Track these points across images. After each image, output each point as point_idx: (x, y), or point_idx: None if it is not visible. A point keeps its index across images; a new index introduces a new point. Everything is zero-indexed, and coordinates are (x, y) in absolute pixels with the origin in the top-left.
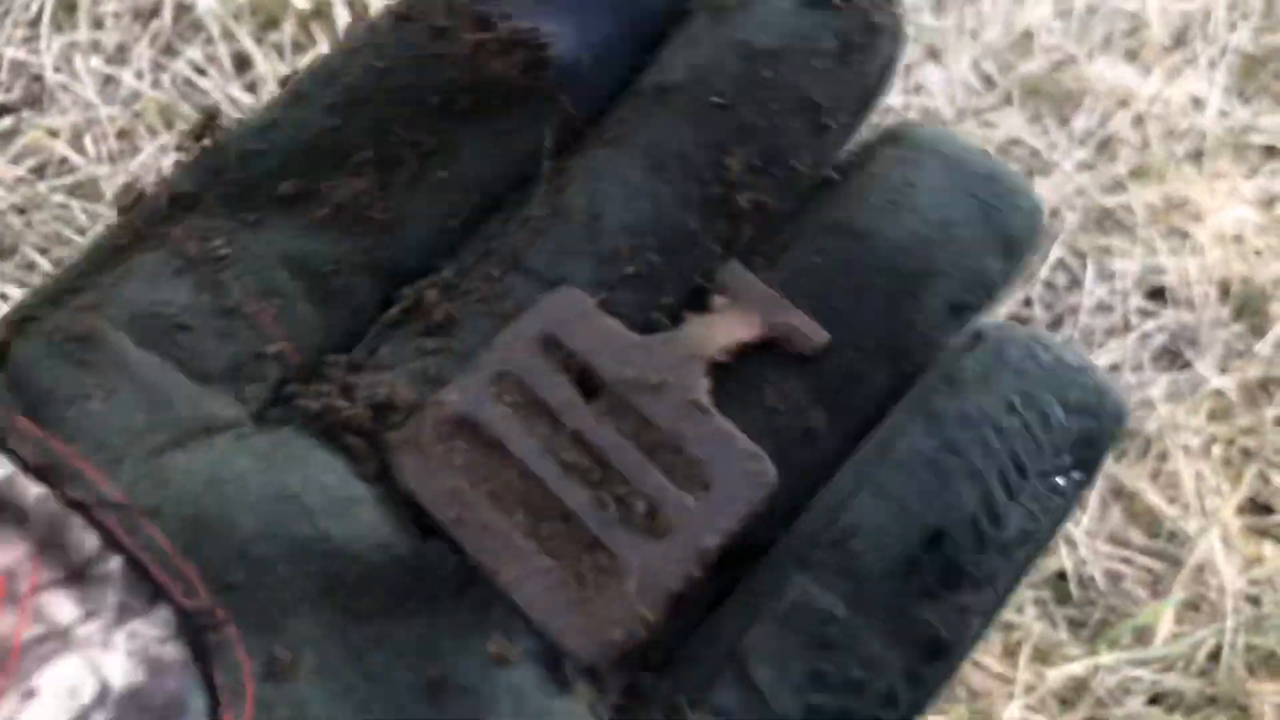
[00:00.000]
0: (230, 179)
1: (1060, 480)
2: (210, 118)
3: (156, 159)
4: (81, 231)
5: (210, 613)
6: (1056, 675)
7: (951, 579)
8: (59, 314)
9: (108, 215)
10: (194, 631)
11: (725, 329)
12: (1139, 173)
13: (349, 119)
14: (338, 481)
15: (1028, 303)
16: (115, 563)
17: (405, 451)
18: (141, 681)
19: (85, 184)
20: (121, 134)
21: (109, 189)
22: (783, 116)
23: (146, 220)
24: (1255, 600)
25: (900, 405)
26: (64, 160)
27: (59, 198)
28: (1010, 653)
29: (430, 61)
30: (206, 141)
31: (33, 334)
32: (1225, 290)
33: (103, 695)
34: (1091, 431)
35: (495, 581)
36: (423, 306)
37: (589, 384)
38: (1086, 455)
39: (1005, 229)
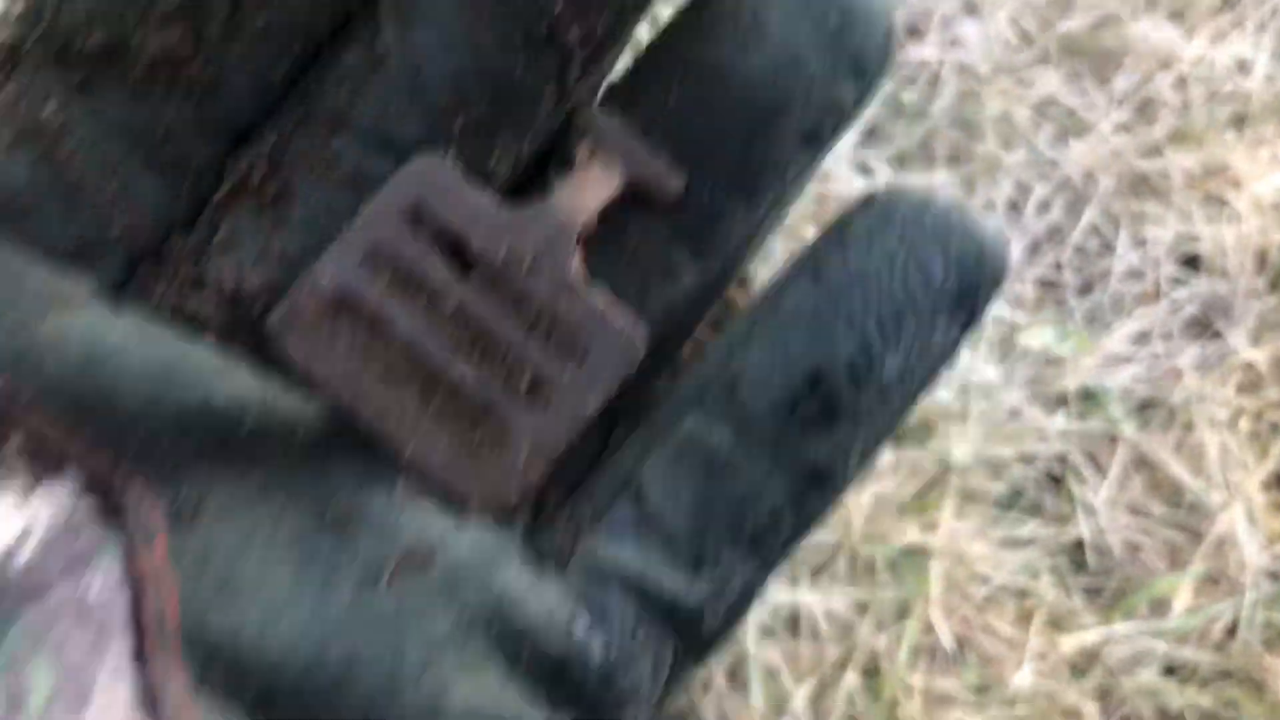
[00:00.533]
0: (45, 31)
1: (940, 326)
2: None
3: None
4: None
5: (113, 471)
6: (1069, 643)
7: (830, 416)
8: None
9: None
10: (101, 488)
11: (591, 192)
12: (1178, 137)
13: None
14: (211, 351)
15: (1057, 267)
16: (15, 440)
17: (290, 334)
18: (59, 527)
19: None
20: None
21: None
22: None
23: None
24: (1275, 576)
25: (792, 263)
26: None
27: None
28: (1022, 619)
29: None
30: None
31: None
32: (1262, 260)
33: (23, 537)
34: (971, 283)
35: (396, 455)
36: (252, 180)
37: (460, 258)
38: (967, 302)
39: (856, 53)
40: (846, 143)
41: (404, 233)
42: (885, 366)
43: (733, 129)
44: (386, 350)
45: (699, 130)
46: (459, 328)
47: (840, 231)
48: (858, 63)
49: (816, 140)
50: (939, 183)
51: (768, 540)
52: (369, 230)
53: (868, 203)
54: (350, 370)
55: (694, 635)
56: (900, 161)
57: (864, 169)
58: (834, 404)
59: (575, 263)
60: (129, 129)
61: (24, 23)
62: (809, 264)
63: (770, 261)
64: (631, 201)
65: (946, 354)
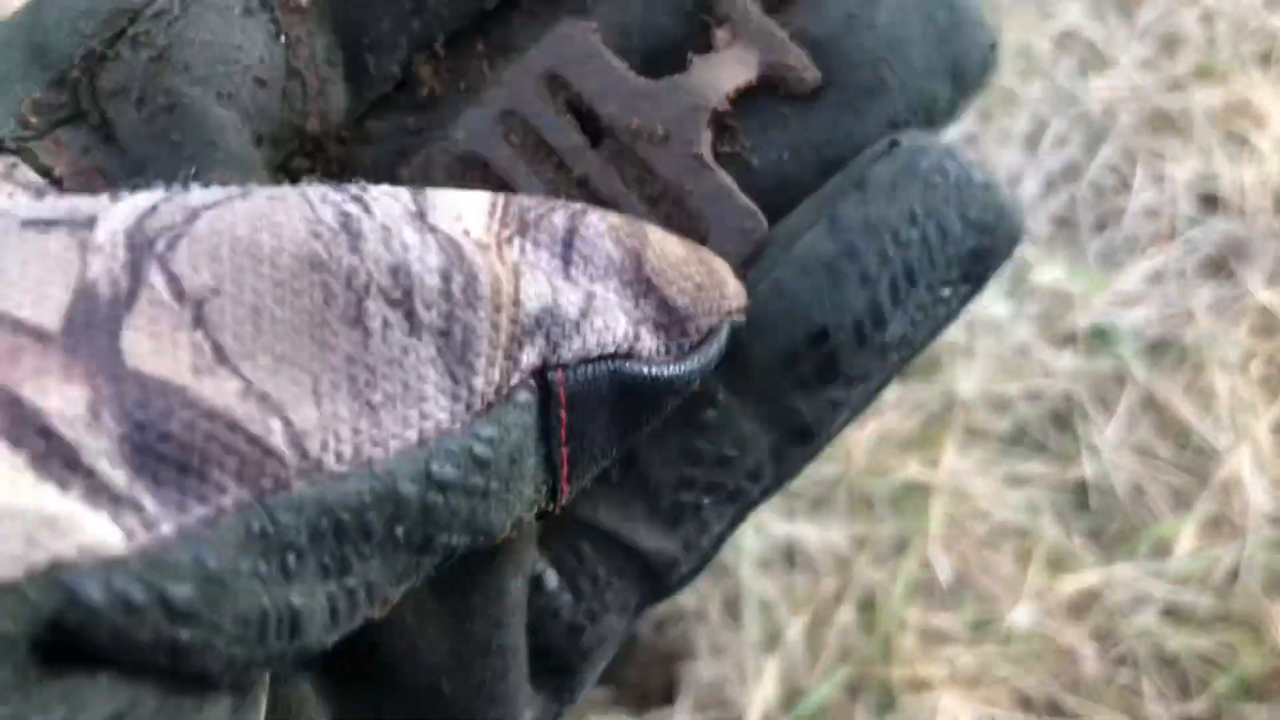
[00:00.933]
0: None
1: (947, 291)
2: None
3: None
4: None
5: None
6: (1068, 584)
7: (827, 374)
8: (129, 60)
9: None
10: None
11: (727, 72)
12: (1202, 73)
13: None
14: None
15: (1072, 203)
16: None
17: (424, 184)
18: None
19: None
20: None
21: None
22: None
23: None
24: (1279, 521)
25: (808, 202)
26: None
27: None
28: (1022, 558)
29: None
30: None
31: (116, 92)
32: None
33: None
34: (985, 248)
35: None
36: (412, 82)
37: (593, 126)
38: (976, 270)
39: (957, 57)
40: None
41: (541, 98)
42: (890, 328)
43: (824, 105)
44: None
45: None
46: (584, 195)
47: (861, 177)
48: (957, 66)
49: (901, 130)
50: None
51: (745, 494)
52: (506, 92)
53: (891, 149)
54: None
55: (663, 583)
56: None
57: None
58: (834, 363)
59: (707, 137)
60: (342, 27)
61: None
62: (826, 208)
63: None
64: (766, 90)
65: (949, 319)
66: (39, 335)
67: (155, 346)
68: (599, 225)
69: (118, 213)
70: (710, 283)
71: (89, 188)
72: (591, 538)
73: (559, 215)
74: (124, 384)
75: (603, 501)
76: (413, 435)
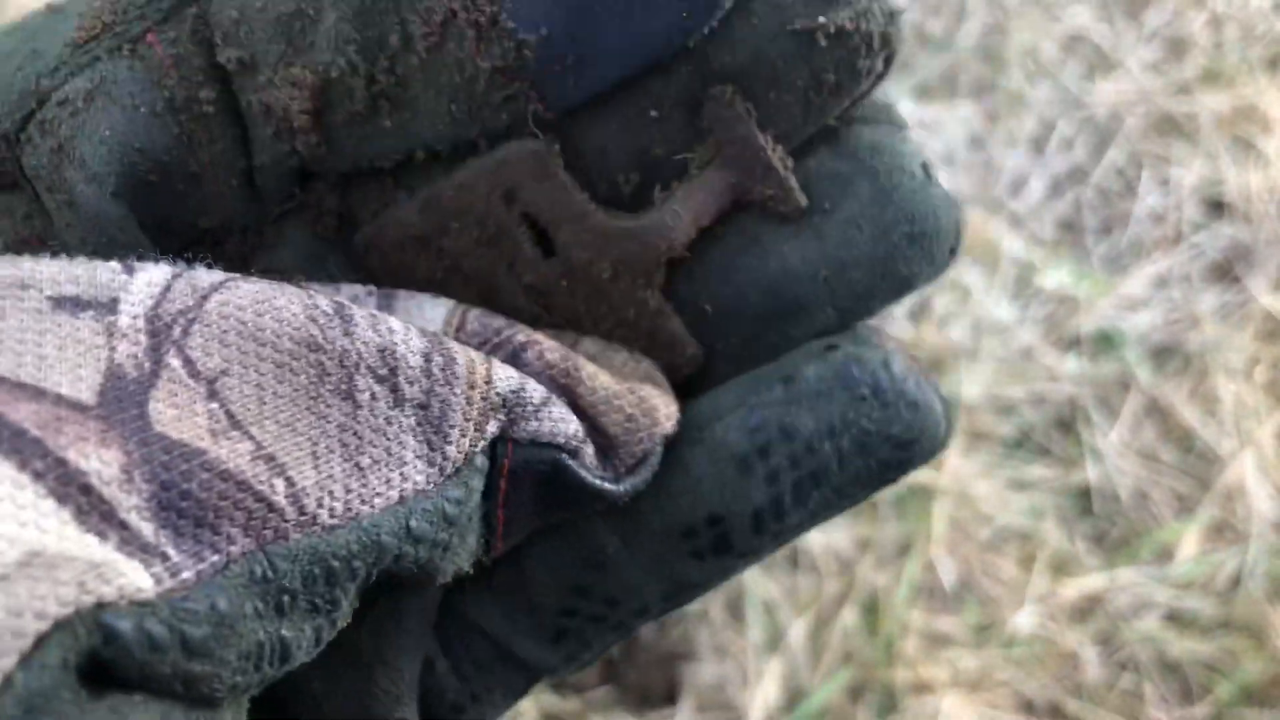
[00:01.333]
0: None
1: (853, 492)
2: None
3: None
4: None
5: None
6: (1071, 588)
7: (721, 549)
8: (39, 146)
9: None
10: None
11: (693, 213)
12: (1209, 77)
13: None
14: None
15: (1078, 207)
16: None
17: (372, 252)
18: None
19: None
20: None
21: None
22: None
23: (118, 11)
24: None
25: (736, 383)
26: None
27: None
28: (1025, 562)
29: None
30: None
31: (34, 175)
32: None
33: None
34: (901, 460)
35: None
36: (320, 208)
37: (545, 239)
38: (887, 476)
39: (905, 277)
40: None
41: (497, 205)
42: (789, 519)
43: (756, 313)
44: (458, 289)
45: (722, 311)
46: (531, 299)
47: (790, 374)
48: (902, 283)
49: (834, 335)
50: (962, 115)
51: (629, 626)
52: (462, 190)
53: (827, 352)
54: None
55: (549, 675)
56: (922, 93)
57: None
58: (728, 542)
59: (659, 279)
60: (243, 142)
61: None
62: (750, 397)
63: None
64: (739, 209)
65: (853, 506)
66: (79, 407)
67: (178, 414)
68: (535, 363)
69: (136, 295)
70: (641, 412)
71: (35, 252)
72: (479, 635)
73: (506, 344)
74: (152, 447)
75: (492, 608)
76: (394, 494)
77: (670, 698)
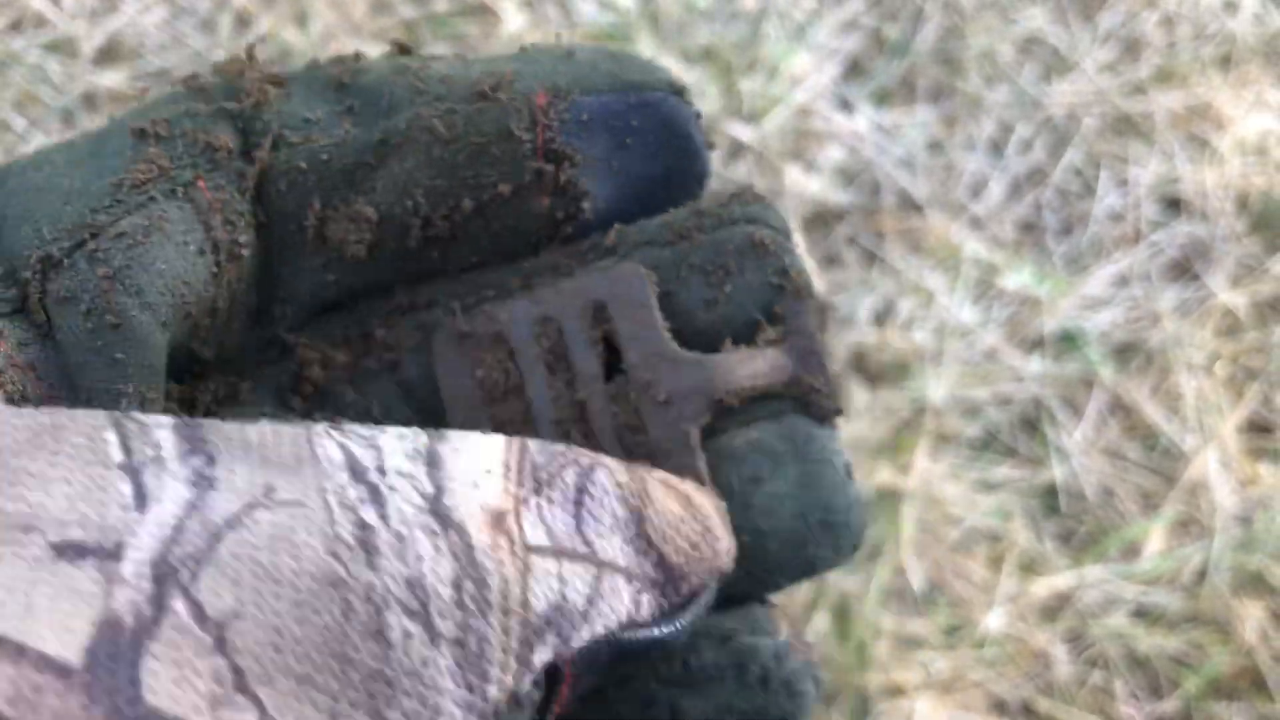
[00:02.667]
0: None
1: None
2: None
3: (137, 19)
4: (59, 90)
5: None
6: (1040, 587)
7: None
8: (84, 273)
9: (85, 74)
10: None
11: (751, 373)
12: (1163, 76)
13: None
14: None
15: (1038, 208)
16: None
17: (445, 344)
18: None
19: (62, 42)
20: None
21: (86, 47)
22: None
23: (173, 158)
24: (1246, 520)
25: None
26: (40, 17)
27: (35, 56)
28: (994, 562)
29: (482, 152)
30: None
31: (66, 299)
32: (1243, 203)
33: None
34: None
35: None
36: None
37: (614, 358)
38: None
39: (812, 560)
40: (827, 77)
41: (583, 319)
42: None
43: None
44: (508, 399)
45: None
46: (575, 415)
47: (686, 660)
48: (810, 568)
49: (730, 607)
50: (920, 119)
51: None
52: (555, 301)
53: (725, 641)
54: (471, 398)
55: None
56: (880, 98)
57: (844, 104)
58: None
59: (702, 418)
60: (264, 284)
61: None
62: (661, 690)
63: None
64: (790, 398)
65: None
66: (61, 671)
67: (176, 675)
68: (606, 483)
69: (144, 537)
70: (704, 541)
71: (21, 381)
72: None
73: (570, 473)
74: None
75: None
76: None
77: None
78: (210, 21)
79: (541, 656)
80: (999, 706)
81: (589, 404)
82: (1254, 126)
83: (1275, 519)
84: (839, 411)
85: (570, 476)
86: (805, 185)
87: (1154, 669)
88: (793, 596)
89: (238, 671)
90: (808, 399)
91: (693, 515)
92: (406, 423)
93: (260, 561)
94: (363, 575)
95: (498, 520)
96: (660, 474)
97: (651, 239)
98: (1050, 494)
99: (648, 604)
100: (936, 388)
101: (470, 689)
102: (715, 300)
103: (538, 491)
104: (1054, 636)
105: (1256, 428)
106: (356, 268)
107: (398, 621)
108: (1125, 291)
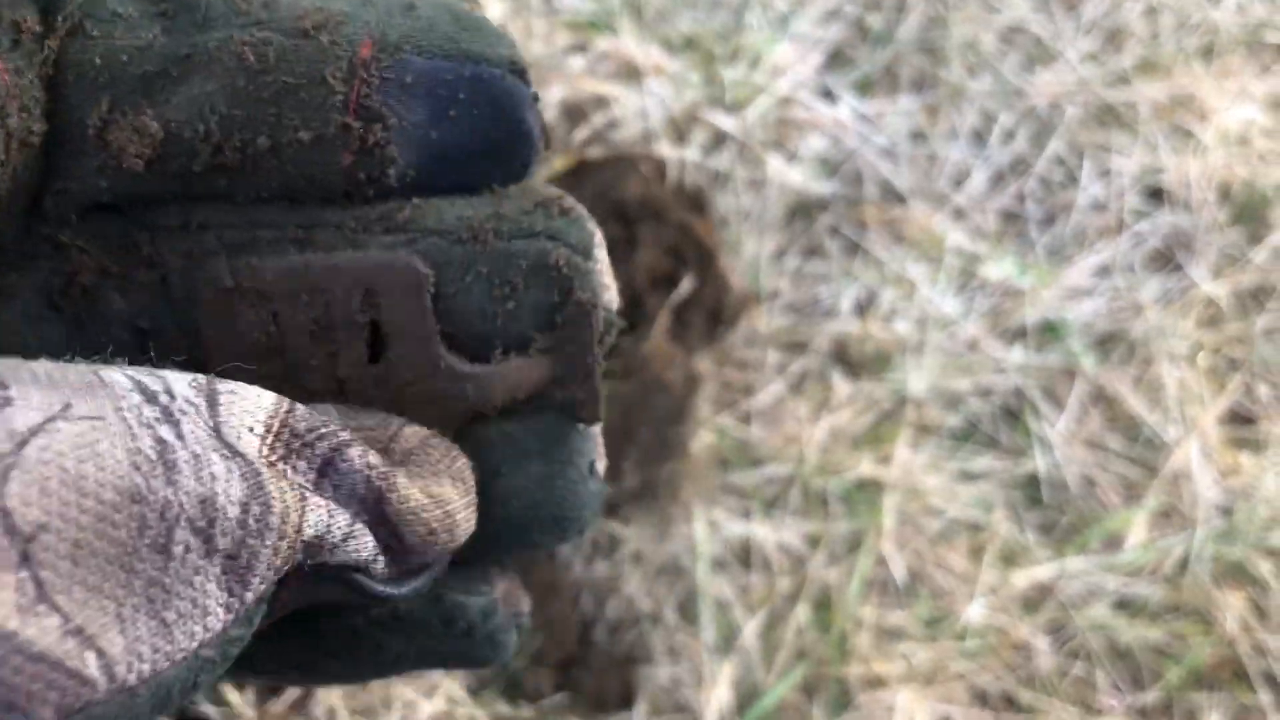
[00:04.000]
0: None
1: None
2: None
3: None
4: None
5: None
6: (1021, 578)
7: None
8: None
9: None
10: None
11: (508, 387)
12: (1146, 67)
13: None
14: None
15: (1020, 198)
16: None
17: (213, 295)
18: None
19: None
20: None
21: None
22: None
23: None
24: (1228, 510)
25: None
26: None
27: None
28: (975, 553)
29: (293, 93)
30: None
31: None
32: (1225, 193)
33: None
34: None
35: None
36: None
37: (379, 341)
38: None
39: (538, 544)
40: (809, 66)
41: (354, 299)
42: None
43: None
44: (270, 358)
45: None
46: (334, 392)
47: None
48: (536, 548)
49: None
50: (903, 109)
51: None
52: (329, 273)
53: (438, 600)
54: (231, 348)
55: None
56: (864, 87)
57: (827, 93)
58: None
59: (450, 429)
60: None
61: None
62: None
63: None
64: (549, 401)
65: None
66: None
67: None
68: (356, 462)
69: None
70: (442, 528)
71: None
72: None
73: (324, 444)
74: None
75: None
76: (194, 645)
77: (625, 702)
78: None
79: (287, 566)
80: (980, 698)
81: (348, 383)
82: (1236, 117)
83: (1256, 509)
84: (598, 418)
85: (323, 448)
86: (787, 175)
87: (1135, 660)
88: (773, 587)
89: (39, 584)
90: (568, 405)
91: (435, 504)
92: (172, 340)
93: (66, 468)
94: (161, 491)
95: (270, 462)
96: (417, 468)
97: (445, 229)
98: (1032, 485)
99: (383, 562)
100: (918, 379)
101: (232, 593)
102: (494, 315)
103: (287, 458)
104: (1035, 628)
105: (1238, 418)
106: (134, 177)
107: (183, 537)
108: (1107, 282)
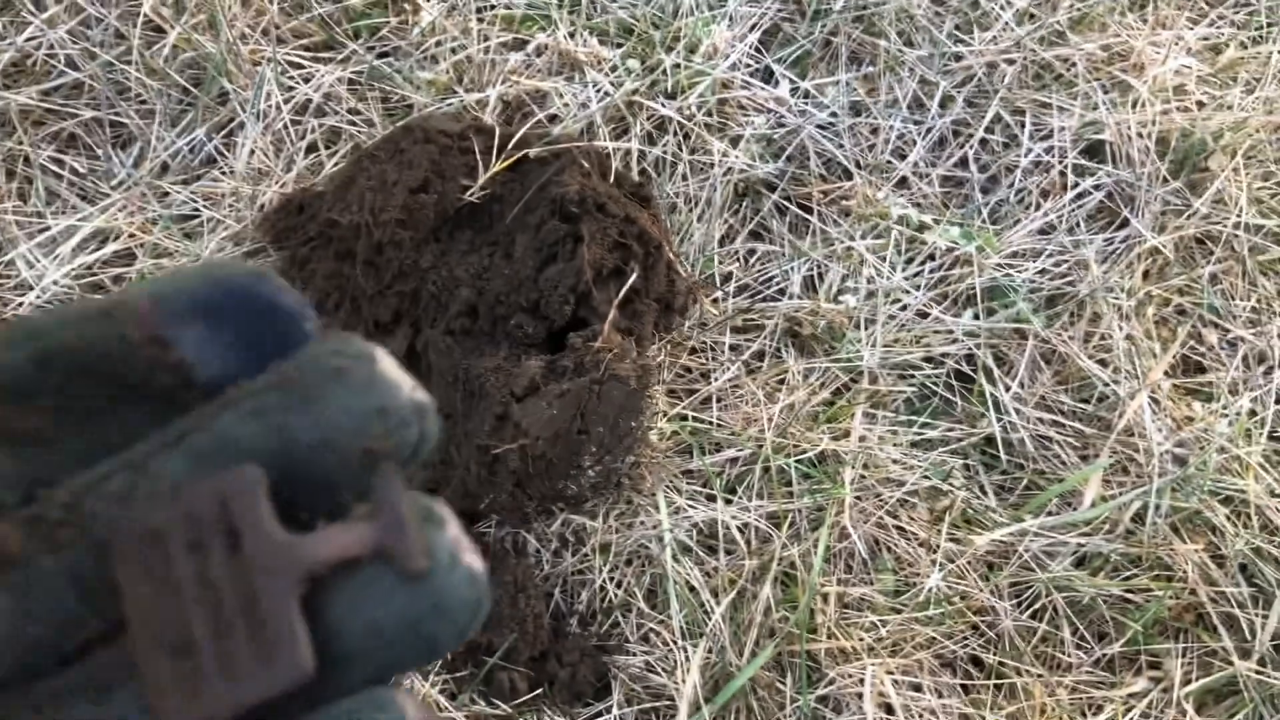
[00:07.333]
0: None
1: None
2: None
3: (45, 32)
4: None
5: None
6: (982, 541)
7: None
8: None
9: None
10: None
11: (336, 546)
12: (1080, 22)
13: (41, 373)
14: None
15: (963, 162)
16: None
17: (122, 552)
18: None
19: None
20: None
21: None
22: None
23: None
24: (1181, 460)
25: None
26: None
27: None
28: (936, 521)
29: (112, 355)
30: None
31: None
32: (1164, 146)
33: None
34: None
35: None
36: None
37: (237, 539)
38: None
39: (431, 640)
40: (747, 47)
41: (214, 509)
42: None
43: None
44: (163, 586)
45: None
46: (205, 595)
47: None
48: (433, 649)
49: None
50: (842, 83)
51: None
52: (187, 502)
53: None
54: (137, 599)
55: None
56: (802, 64)
57: (766, 73)
58: None
59: (296, 588)
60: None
61: None
62: None
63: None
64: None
65: None
66: None
67: None
68: None
69: None
70: None
71: None
72: None
73: None
74: None
75: None
76: None
77: (599, 692)
78: (121, 32)
79: None
80: (948, 663)
81: (220, 586)
82: (1172, 66)
83: (1210, 457)
84: (421, 573)
85: None
86: (732, 158)
87: (1099, 614)
88: (739, 566)
89: None
90: (394, 561)
91: None
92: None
93: None
94: None
95: None
96: None
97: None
98: (989, 447)
99: None
100: (870, 352)
101: None
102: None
103: None
104: (998, 590)
105: (1189, 366)
106: None
107: None
108: (1052, 241)
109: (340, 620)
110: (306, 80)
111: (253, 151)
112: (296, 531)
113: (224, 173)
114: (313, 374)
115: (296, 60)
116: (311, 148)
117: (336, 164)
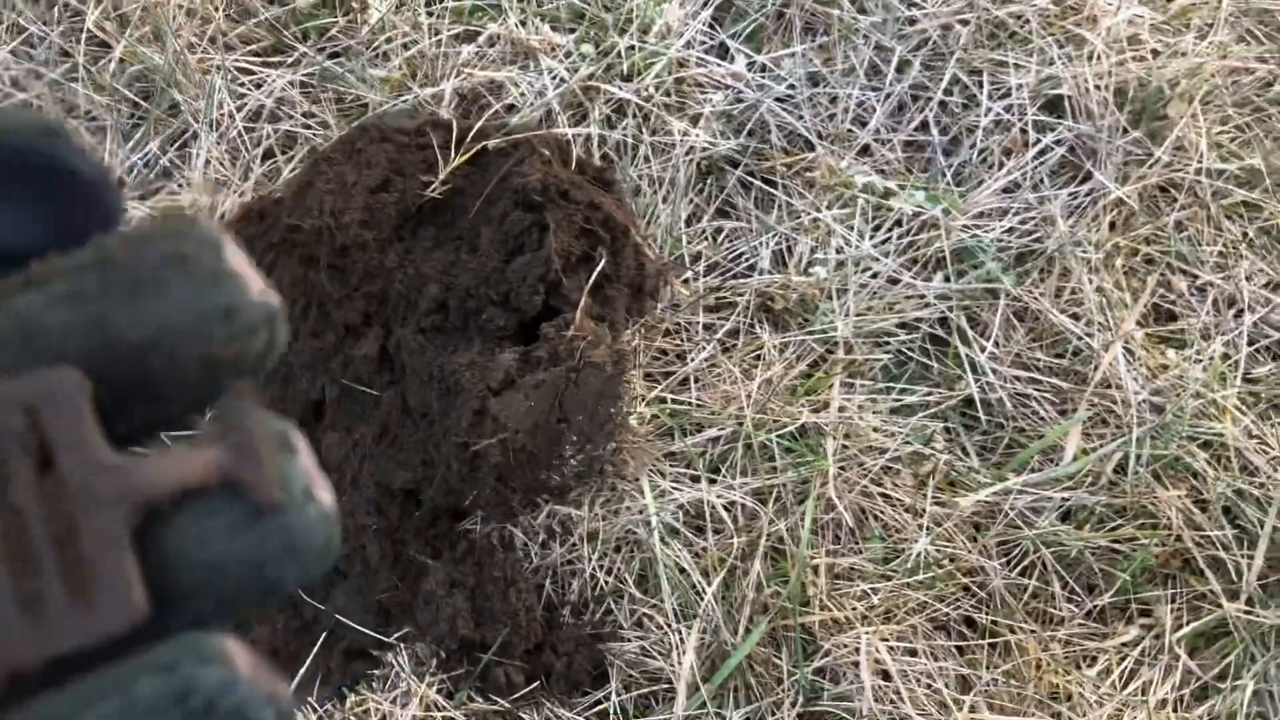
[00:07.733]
0: None
1: None
2: None
3: None
4: None
5: None
6: (967, 502)
7: None
8: None
9: None
10: None
11: (179, 474)
12: None
13: None
14: None
15: (924, 126)
16: None
17: None
18: None
19: None
20: None
21: None
22: None
23: None
24: (1158, 408)
25: (73, 689)
26: None
27: None
28: (922, 485)
29: None
30: None
31: None
32: (1122, 96)
33: None
34: None
35: None
36: None
37: (50, 457)
38: None
39: (275, 580)
40: (700, 24)
41: (15, 419)
42: None
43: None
44: None
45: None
46: (6, 521)
47: (126, 689)
48: (276, 587)
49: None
50: (798, 54)
51: None
52: None
53: (166, 671)
54: None
55: None
56: (757, 38)
57: (721, 49)
58: None
59: (130, 518)
60: None
61: None
62: (84, 711)
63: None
64: (224, 487)
65: None
66: None
67: None
68: None
69: None
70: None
71: None
72: None
73: None
74: None
75: None
76: None
77: (597, 680)
78: (66, 49)
79: None
80: (941, 626)
81: (25, 513)
82: (1124, 17)
83: (1186, 403)
84: (275, 507)
85: None
86: (693, 136)
87: (1087, 566)
88: (728, 545)
89: None
90: (243, 493)
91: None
92: None
93: None
94: None
95: None
96: None
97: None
98: (969, 408)
99: None
100: (845, 322)
101: None
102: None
103: None
104: (986, 551)
105: (1161, 315)
106: None
107: None
108: (1018, 199)
109: (173, 558)
110: (258, 86)
111: (208, 161)
112: (121, 451)
113: (181, 185)
114: (145, 257)
115: (246, 66)
116: (268, 154)
117: (294, 169)
